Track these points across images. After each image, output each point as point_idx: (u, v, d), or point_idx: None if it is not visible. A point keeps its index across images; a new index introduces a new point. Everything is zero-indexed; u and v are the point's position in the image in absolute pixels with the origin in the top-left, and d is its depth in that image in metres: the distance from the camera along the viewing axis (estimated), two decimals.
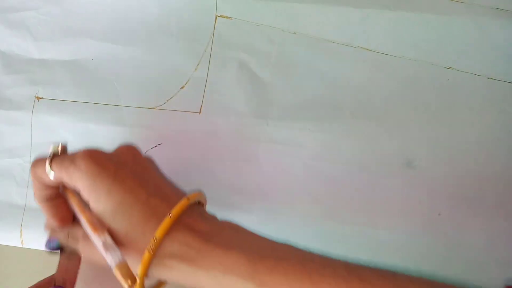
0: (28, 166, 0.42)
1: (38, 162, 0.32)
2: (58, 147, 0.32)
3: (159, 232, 0.28)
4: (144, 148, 0.40)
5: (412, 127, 0.38)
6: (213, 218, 0.31)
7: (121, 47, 0.41)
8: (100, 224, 0.29)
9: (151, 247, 0.28)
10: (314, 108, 0.39)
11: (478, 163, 0.37)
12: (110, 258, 0.27)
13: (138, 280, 0.28)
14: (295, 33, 0.39)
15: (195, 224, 0.29)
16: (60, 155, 0.32)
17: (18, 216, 0.41)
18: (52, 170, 0.31)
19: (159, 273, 0.28)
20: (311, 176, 0.38)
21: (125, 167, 0.30)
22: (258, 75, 0.39)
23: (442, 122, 0.37)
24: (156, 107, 0.40)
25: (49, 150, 0.32)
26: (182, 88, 0.40)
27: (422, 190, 0.37)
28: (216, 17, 0.40)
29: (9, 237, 0.41)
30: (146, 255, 0.28)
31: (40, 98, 0.42)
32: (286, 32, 0.39)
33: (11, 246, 0.41)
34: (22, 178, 0.42)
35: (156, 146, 0.40)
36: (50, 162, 0.31)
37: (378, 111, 0.38)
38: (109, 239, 0.28)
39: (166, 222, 0.28)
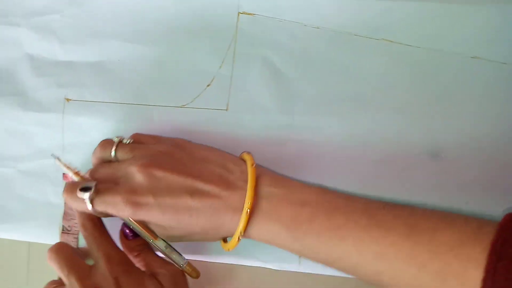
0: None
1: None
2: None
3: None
4: None
5: (437, 118, 0.38)
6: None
7: (144, 47, 0.41)
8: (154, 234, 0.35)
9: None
10: (339, 102, 0.39)
11: (505, 152, 0.37)
12: (177, 259, 0.36)
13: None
14: (318, 28, 0.39)
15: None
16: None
17: (56, 214, 0.43)
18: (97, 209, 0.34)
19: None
20: (338, 170, 0.39)
21: (161, 190, 0.33)
22: (282, 71, 0.40)
23: (468, 112, 0.38)
24: (183, 105, 0.41)
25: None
26: (208, 86, 0.41)
27: (449, 181, 0.38)
28: (238, 14, 0.40)
29: (48, 236, 0.43)
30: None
31: (70, 100, 0.43)
32: (309, 27, 0.39)
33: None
34: (56, 177, 0.43)
35: None
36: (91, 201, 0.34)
37: (403, 103, 0.38)
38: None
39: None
